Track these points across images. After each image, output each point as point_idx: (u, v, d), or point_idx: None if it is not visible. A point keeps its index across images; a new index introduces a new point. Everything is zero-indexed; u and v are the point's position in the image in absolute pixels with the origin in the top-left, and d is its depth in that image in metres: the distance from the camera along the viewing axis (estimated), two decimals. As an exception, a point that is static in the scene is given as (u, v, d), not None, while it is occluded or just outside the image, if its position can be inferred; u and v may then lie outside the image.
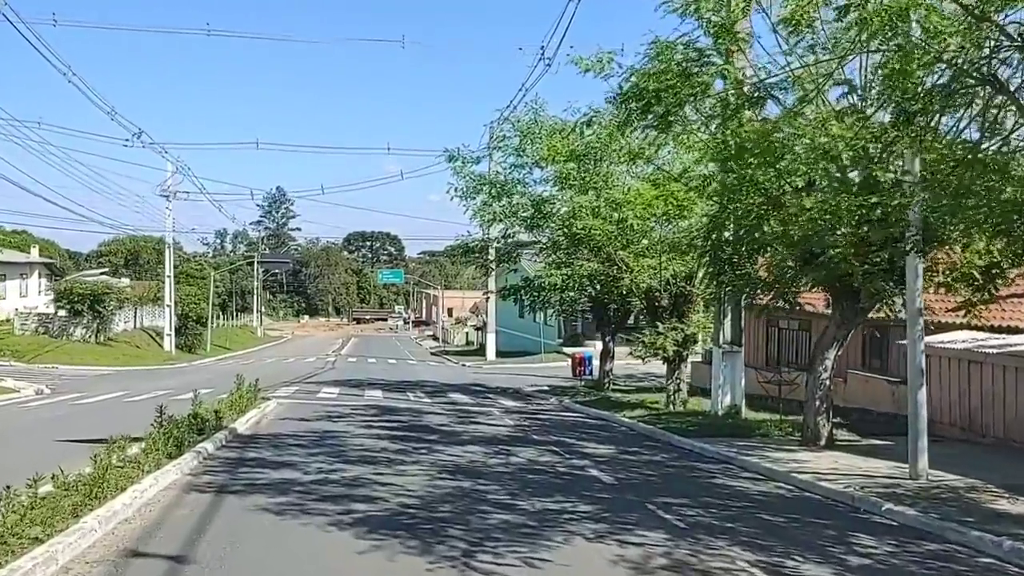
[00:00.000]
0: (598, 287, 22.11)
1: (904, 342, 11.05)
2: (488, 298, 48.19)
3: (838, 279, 12.18)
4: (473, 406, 20.48)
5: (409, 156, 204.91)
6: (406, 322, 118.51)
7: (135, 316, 53.40)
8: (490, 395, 24.53)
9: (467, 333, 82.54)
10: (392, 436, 13.30)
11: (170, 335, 49.71)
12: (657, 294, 18.40)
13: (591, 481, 9.81)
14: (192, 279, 63.29)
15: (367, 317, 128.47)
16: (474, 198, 22.91)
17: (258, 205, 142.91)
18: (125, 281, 68.07)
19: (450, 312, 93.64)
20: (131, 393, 23.35)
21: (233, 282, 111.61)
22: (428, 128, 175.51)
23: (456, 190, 22.87)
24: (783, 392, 16.16)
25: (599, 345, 48.43)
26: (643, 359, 18.52)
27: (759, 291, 13.64)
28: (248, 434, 12.90)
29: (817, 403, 12.97)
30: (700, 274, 16.68)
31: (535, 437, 14.26)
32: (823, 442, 12.88)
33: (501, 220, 22.04)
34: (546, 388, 26.71)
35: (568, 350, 48.03)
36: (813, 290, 14.57)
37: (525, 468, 10.58)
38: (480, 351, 62.68)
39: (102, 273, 69.22)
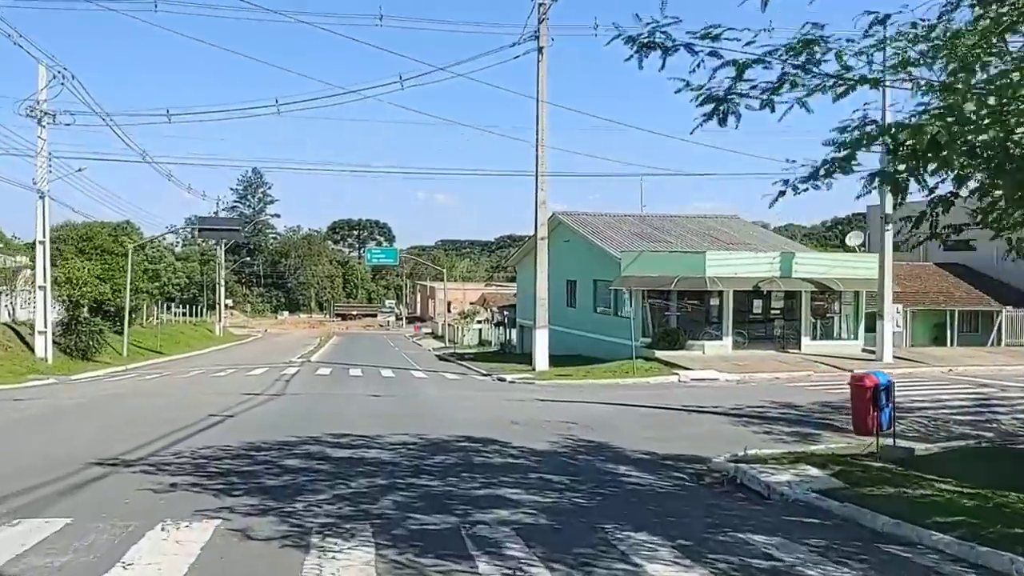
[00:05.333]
0: None
1: None
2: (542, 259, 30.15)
3: None
4: None
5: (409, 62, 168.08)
6: (399, 318, 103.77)
7: None
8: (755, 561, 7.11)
9: (479, 330, 65.98)
10: None
11: (44, 332, 31.93)
12: None
13: None
14: (108, 256, 45.37)
15: (353, 313, 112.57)
16: None
17: (232, 189, 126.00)
18: (23, 260, 50.13)
19: (449, 306, 76.85)
20: None
21: (204, 274, 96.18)
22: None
23: None
24: None
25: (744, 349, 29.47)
26: None
27: None
28: None
29: None
30: None
31: None
32: None
33: None
34: (813, 476, 9.29)
35: (663, 355, 29.68)
36: None
37: None
38: (503, 354, 45.69)
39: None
